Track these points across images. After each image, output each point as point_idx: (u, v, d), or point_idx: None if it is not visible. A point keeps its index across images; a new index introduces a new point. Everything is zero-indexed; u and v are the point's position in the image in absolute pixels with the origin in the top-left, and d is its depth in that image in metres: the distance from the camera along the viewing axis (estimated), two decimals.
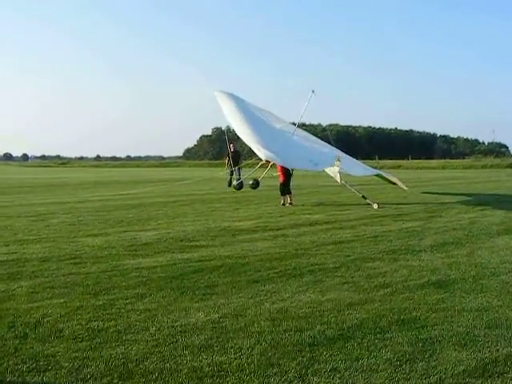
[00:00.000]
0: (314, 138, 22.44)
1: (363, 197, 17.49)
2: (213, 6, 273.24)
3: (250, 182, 19.29)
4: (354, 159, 21.34)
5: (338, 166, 17.71)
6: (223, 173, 28.75)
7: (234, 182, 21.27)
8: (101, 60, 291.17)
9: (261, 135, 16.58)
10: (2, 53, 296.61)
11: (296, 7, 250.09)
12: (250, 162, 24.61)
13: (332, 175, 18.47)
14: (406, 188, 21.78)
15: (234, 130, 17.97)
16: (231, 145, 26.65)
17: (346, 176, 19.47)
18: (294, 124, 21.52)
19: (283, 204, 17.74)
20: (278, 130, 19.95)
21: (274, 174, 19.64)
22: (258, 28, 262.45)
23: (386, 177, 22.12)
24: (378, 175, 22.12)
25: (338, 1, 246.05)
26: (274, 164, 19.03)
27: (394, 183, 22.01)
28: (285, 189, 17.96)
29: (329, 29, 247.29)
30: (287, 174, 18.05)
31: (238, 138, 18.45)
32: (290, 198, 17.94)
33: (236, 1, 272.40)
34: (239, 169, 25.88)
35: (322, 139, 23.07)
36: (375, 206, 16.41)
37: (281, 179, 18.08)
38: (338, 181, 18.45)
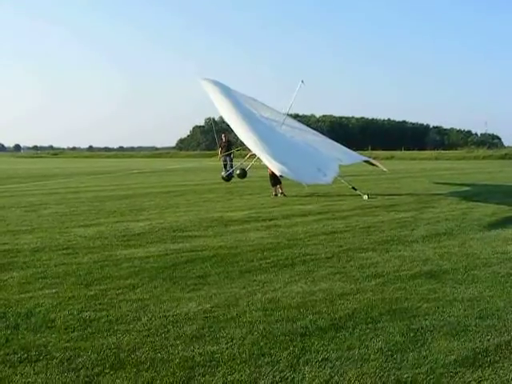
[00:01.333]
0: (302, 126, 22.31)
1: (353, 188, 17.55)
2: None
3: (237, 172, 19.13)
4: (344, 147, 21.20)
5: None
6: (213, 162, 28.57)
7: (223, 173, 21.15)
8: (95, 51, 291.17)
9: (264, 139, 15.54)
10: None
11: None
12: (242, 152, 24.55)
13: None
14: (385, 169, 21.98)
15: (227, 123, 17.52)
16: (223, 135, 26.61)
17: None
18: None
19: (275, 195, 17.72)
20: (268, 123, 19.69)
21: (263, 163, 19.40)
22: (251, 20, 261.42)
23: (370, 161, 22.32)
24: (365, 161, 22.32)
25: None
26: None
27: (376, 165, 22.31)
28: (275, 180, 17.82)
29: (323, 20, 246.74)
30: None
31: (230, 129, 18.19)
32: (281, 188, 17.87)
33: None
34: (231, 159, 25.79)
35: (316, 130, 23.05)
36: (365, 196, 16.43)
37: (269, 170, 17.91)
38: None
